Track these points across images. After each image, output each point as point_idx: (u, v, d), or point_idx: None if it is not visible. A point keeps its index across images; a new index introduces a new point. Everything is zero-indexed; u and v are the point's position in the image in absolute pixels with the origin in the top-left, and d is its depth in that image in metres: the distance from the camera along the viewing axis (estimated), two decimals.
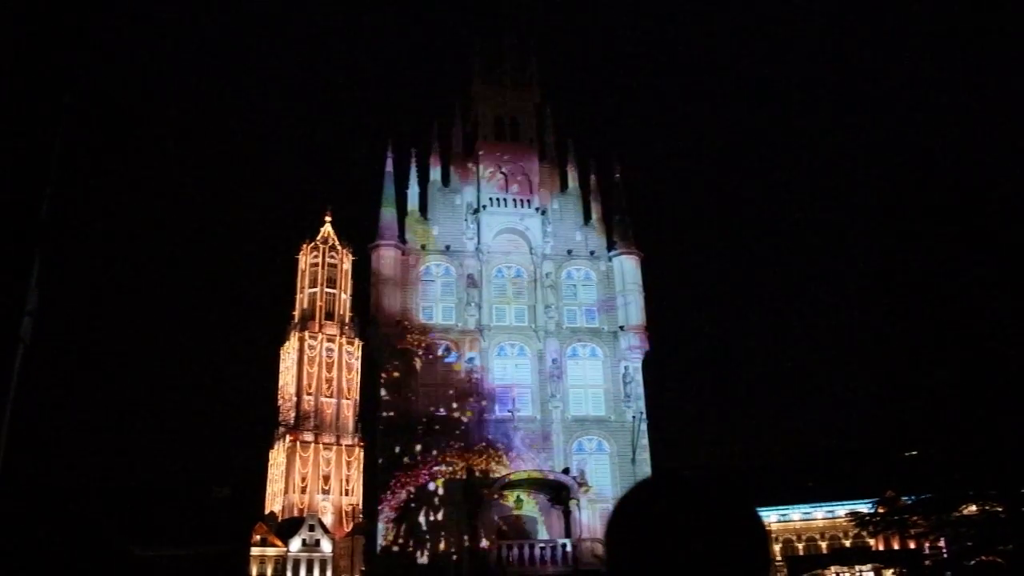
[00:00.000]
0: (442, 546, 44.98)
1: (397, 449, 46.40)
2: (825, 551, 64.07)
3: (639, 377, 49.75)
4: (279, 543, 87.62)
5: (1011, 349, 21.94)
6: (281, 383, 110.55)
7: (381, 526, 45.77)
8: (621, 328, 50.08)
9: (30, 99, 3.98)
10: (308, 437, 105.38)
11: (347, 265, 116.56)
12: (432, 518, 45.58)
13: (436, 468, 46.43)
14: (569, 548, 42.65)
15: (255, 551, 78.36)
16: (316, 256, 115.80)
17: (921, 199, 24.29)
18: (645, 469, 46.82)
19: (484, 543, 43.11)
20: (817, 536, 65.64)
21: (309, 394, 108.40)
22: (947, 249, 23.45)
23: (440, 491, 46.25)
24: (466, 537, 44.34)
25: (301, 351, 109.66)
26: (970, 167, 25.11)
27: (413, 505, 45.60)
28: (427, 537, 45.30)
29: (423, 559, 44.73)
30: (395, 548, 45.16)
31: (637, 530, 1.86)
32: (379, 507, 46.36)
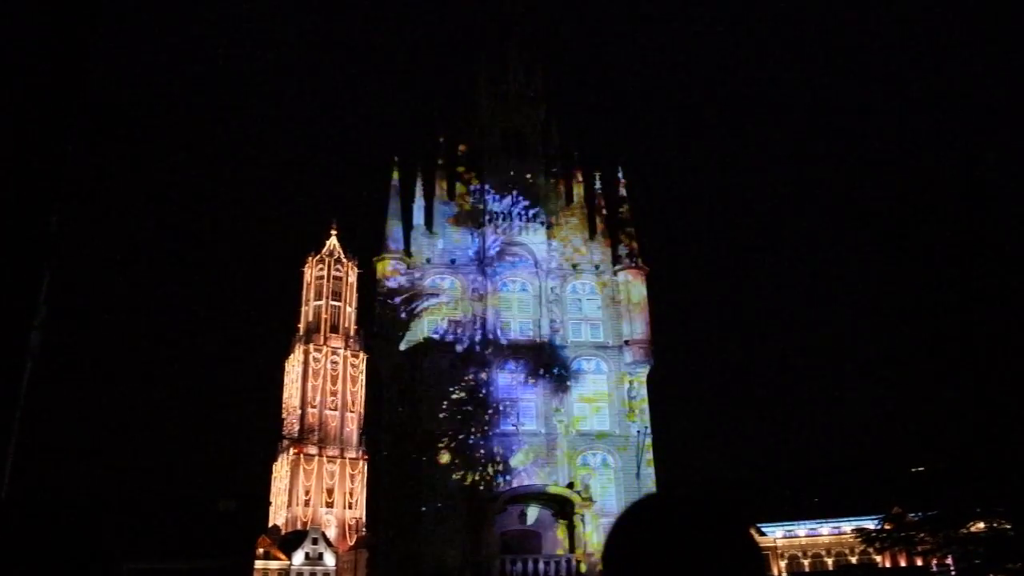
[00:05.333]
0: (446, 559, 44.79)
1: (401, 462, 46.30)
2: (831, 568, 63.65)
3: (644, 391, 49.61)
4: (282, 556, 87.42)
5: (1019, 364, 21.85)
6: (285, 396, 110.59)
7: (385, 538, 45.66)
8: (626, 342, 49.99)
9: (40, 111, 4.01)
10: (312, 450, 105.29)
11: (352, 278, 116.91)
12: (436, 532, 45.43)
13: (440, 482, 46.32)
14: (573, 563, 42.44)
15: (258, 564, 78.14)
16: (321, 269, 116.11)
17: (927, 211, 24.27)
18: (650, 484, 46.64)
19: (487, 557, 42.91)
20: (823, 552, 65.20)
21: (313, 407, 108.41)
22: (955, 262, 23.40)
23: (443, 505, 46.12)
24: (470, 550, 44.16)
25: (306, 364, 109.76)
26: (976, 177, 25.06)
27: (416, 518, 45.46)
28: (431, 551, 45.13)
29: (427, 573, 44.53)
30: (398, 560, 44.99)
31: (632, 550, 1.88)
32: (383, 520, 46.25)
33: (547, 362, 49.28)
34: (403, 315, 49.11)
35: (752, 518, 60.44)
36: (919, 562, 45.81)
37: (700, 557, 1.83)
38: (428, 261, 50.88)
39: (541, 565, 42.65)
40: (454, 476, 46.28)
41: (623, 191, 54.42)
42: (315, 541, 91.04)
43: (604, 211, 53.91)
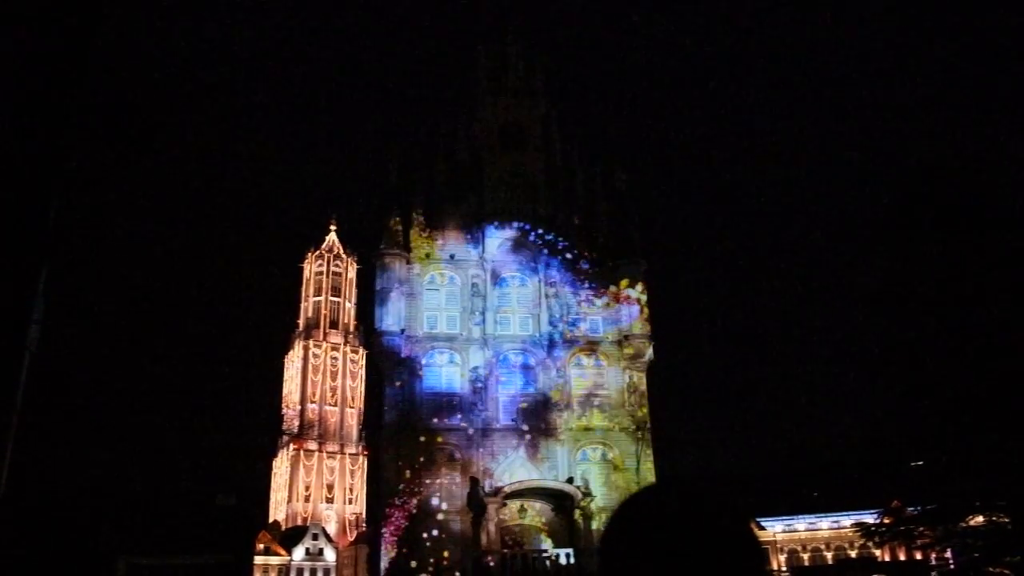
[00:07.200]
0: (445, 554, 44.85)
1: (401, 459, 46.31)
2: (831, 562, 63.71)
3: (643, 386, 49.64)
4: (282, 552, 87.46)
5: (1019, 358, 21.84)
6: (285, 391, 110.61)
7: (386, 534, 45.68)
8: (625, 337, 50.00)
9: (40, 107, 3.99)
10: (312, 446, 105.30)
11: (352, 274, 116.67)
12: (436, 527, 45.47)
13: (440, 477, 46.35)
14: (572, 557, 42.49)
15: (258, 560, 78.13)
16: (321, 265, 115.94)
17: (929, 205, 24.25)
18: (649, 478, 46.67)
19: (487, 552, 42.96)
20: (822, 546, 65.23)
21: (313, 403, 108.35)
22: (955, 257, 23.38)
23: (444, 500, 46.16)
24: (471, 545, 44.20)
25: (305, 360, 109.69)
26: (979, 173, 25.03)
27: (417, 513, 45.49)
28: (430, 546, 45.17)
29: (427, 568, 44.61)
30: (399, 556, 45.03)
31: (631, 542, 1.87)
32: (383, 515, 46.26)
33: (546, 356, 49.27)
34: (403, 310, 49.10)
35: (752, 512, 60.51)
36: (918, 556, 45.91)
37: (698, 549, 1.81)
38: (427, 256, 50.91)
39: (541, 559, 42.70)
40: (453, 471, 46.31)
41: (623, 185, 54.38)
42: (315, 536, 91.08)
43: (604, 205, 53.88)
